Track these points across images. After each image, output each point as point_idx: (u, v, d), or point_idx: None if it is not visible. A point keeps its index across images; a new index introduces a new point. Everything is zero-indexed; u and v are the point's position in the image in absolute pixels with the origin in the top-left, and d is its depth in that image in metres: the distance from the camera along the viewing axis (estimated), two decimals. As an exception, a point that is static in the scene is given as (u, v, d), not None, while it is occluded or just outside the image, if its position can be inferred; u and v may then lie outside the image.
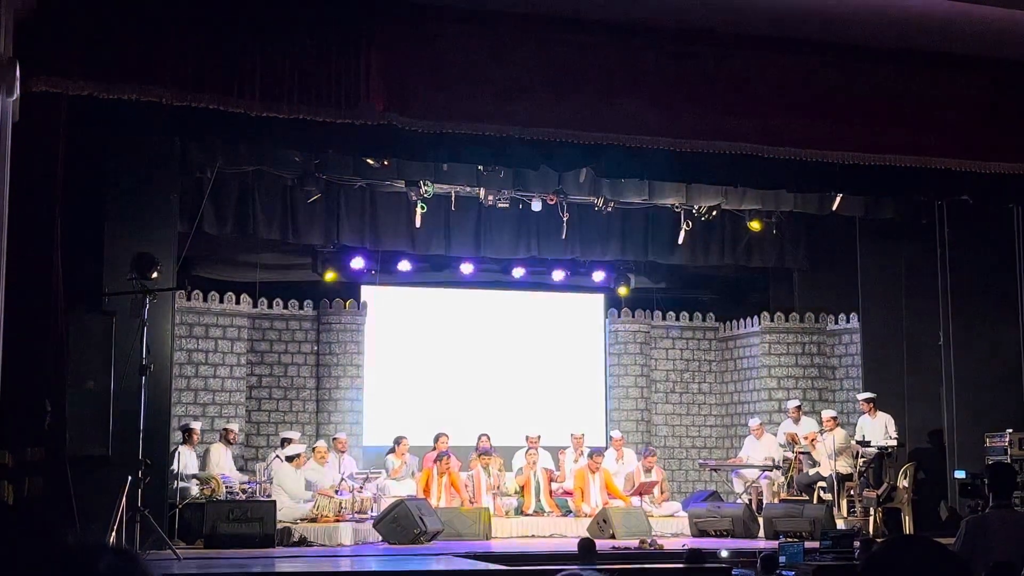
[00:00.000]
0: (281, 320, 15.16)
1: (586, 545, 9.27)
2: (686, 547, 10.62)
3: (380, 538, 11.73)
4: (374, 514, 12.29)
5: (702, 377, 16.95)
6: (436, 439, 13.87)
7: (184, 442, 12.64)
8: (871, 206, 14.04)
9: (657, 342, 16.87)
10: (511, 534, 12.92)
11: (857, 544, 9.69)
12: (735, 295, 17.46)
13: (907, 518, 13.14)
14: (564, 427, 15.08)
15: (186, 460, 12.40)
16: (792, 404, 14.86)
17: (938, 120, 10.19)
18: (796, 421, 14.51)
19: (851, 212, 14.11)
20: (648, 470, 14.20)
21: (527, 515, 13.53)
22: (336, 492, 12.61)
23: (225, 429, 13.37)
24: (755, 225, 14.67)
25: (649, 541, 11.65)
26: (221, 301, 14.46)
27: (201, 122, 9.25)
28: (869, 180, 10.97)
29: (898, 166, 10.25)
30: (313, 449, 13.34)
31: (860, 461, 13.56)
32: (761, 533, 12.59)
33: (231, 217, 13.45)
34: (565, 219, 13.96)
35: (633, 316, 16.71)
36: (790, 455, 14.05)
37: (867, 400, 14.05)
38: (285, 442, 13.44)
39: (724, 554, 10.50)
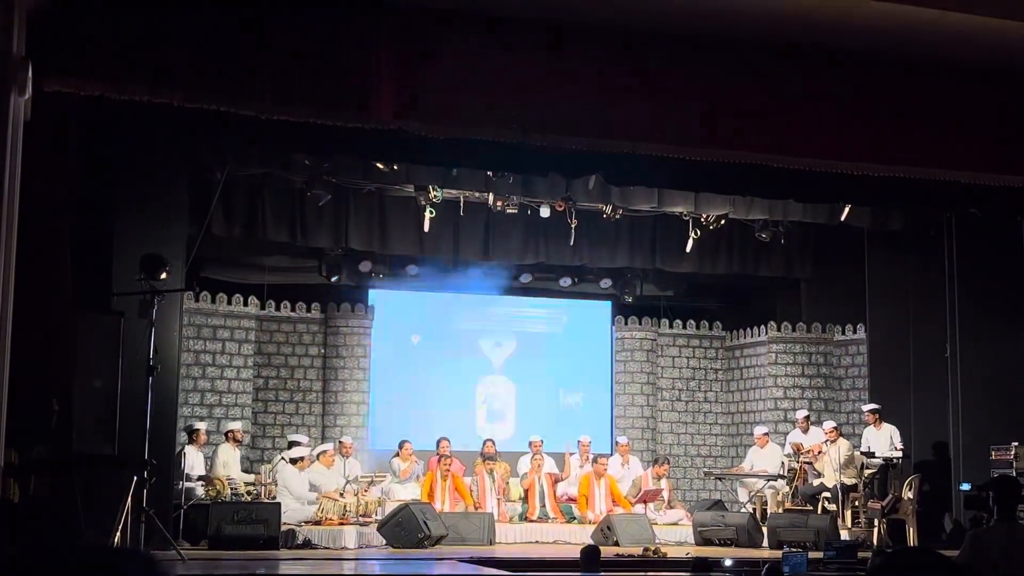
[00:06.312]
0: (288, 322, 15.18)
1: (590, 553, 9.27)
2: (690, 555, 10.61)
3: (384, 542, 11.75)
4: (378, 517, 12.30)
5: (708, 386, 16.94)
6: (437, 444, 13.90)
7: (190, 443, 12.65)
8: (879, 217, 14.04)
9: (663, 350, 16.86)
10: (515, 540, 12.93)
11: (869, 555, 9.68)
12: (742, 304, 17.44)
13: (911, 530, 13.11)
14: (570, 434, 15.06)
15: (191, 461, 12.40)
16: (801, 414, 14.82)
17: (948, 133, 10.16)
18: (804, 431, 14.49)
19: (859, 223, 14.11)
20: (658, 478, 14.21)
21: (531, 521, 13.54)
22: (340, 495, 12.62)
23: (229, 430, 13.36)
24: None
25: (653, 549, 11.63)
26: (229, 303, 14.49)
27: (212, 124, 9.26)
28: (878, 192, 10.96)
29: (907, 178, 10.24)
30: (318, 456, 13.28)
31: (865, 472, 13.54)
32: (765, 543, 12.57)
33: (240, 219, 13.50)
34: (573, 226, 13.94)
35: (640, 324, 16.71)
36: (795, 465, 14.04)
37: (872, 411, 14.04)
38: (292, 445, 13.43)
39: (728, 563, 10.48)
